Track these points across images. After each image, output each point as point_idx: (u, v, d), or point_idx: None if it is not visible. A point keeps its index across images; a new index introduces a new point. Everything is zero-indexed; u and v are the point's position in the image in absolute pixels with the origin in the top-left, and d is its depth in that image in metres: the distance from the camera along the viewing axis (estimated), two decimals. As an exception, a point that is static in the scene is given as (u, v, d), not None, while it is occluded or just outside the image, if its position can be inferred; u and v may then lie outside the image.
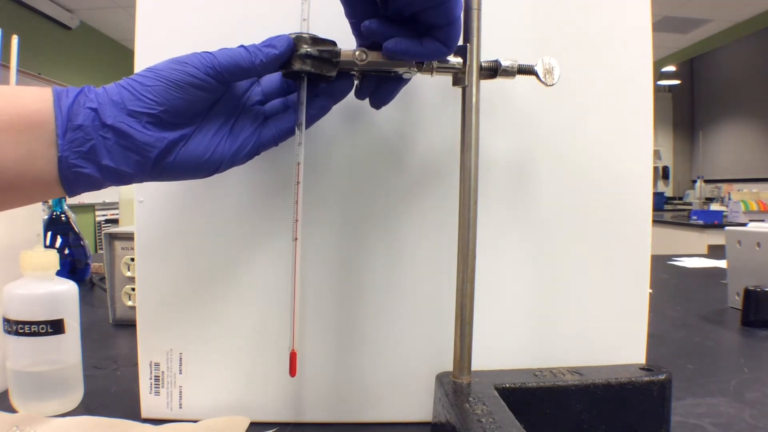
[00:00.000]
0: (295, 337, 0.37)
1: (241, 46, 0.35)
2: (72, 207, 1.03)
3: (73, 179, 0.33)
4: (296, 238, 0.37)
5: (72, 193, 0.34)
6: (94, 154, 0.33)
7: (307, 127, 0.38)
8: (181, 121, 0.34)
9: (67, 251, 0.95)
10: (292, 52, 0.36)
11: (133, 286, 0.72)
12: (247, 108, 0.38)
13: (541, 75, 0.39)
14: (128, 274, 0.72)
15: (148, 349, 0.44)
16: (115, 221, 4.06)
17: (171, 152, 0.34)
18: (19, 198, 0.34)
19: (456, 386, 0.38)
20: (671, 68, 5.45)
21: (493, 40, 0.41)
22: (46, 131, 0.32)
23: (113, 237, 0.73)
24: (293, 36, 0.36)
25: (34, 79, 3.63)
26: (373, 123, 0.44)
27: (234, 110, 0.38)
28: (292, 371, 0.37)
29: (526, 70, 0.39)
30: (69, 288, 0.46)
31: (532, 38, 0.44)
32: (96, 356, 0.60)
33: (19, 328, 0.43)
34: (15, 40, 0.52)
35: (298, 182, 0.37)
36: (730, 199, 3.84)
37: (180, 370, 0.44)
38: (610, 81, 0.45)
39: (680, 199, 5.64)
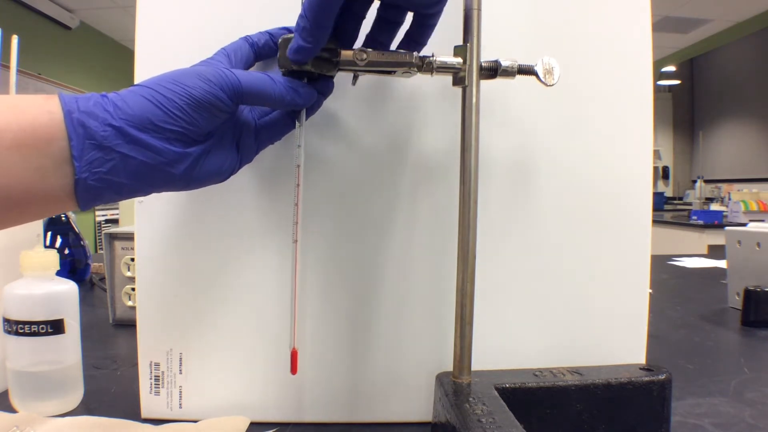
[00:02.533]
0: (295, 337, 0.37)
1: (266, 74, 0.35)
2: (72, 207, 1.03)
3: (90, 199, 0.32)
4: (296, 240, 0.37)
5: (85, 209, 0.33)
6: (114, 173, 0.31)
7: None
8: (201, 138, 0.34)
9: (67, 251, 0.95)
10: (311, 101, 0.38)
11: (133, 286, 0.72)
12: (245, 113, 0.39)
13: (541, 75, 0.39)
14: (128, 274, 0.72)
15: (148, 349, 0.44)
16: (115, 221, 4.06)
17: (194, 168, 0.34)
18: (27, 215, 0.32)
19: (456, 386, 0.38)
20: (671, 68, 5.45)
21: (493, 40, 0.42)
22: (57, 148, 0.30)
23: (113, 237, 0.73)
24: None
25: (34, 79, 3.63)
26: (372, 123, 0.44)
27: (237, 117, 0.38)
28: (293, 369, 0.38)
29: (526, 70, 0.39)
30: (69, 288, 0.46)
31: (532, 38, 0.44)
32: (96, 356, 0.60)
33: (19, 328, 0.43)
34: (15, 40, 0.52)
35: (297, 185, 0.37)
36: (730, 199, 3.84)
37: (180, 370, 0.44)
38: (610, 81, 0.45)
39: (680, 199, 5.64)
